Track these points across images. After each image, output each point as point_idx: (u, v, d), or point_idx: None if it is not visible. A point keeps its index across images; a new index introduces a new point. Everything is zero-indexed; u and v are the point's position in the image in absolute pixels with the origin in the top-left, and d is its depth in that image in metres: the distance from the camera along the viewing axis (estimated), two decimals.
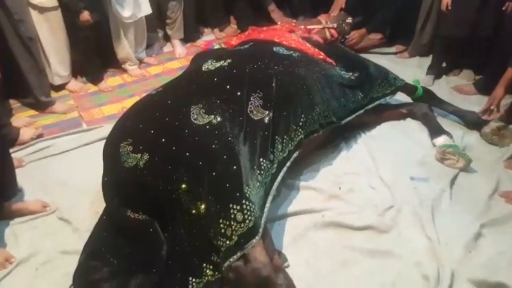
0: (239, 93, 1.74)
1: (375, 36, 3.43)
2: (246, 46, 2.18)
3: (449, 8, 2.68)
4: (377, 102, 2.26)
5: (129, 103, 2.56)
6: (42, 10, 2.50)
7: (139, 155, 1.53)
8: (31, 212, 1.79)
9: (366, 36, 3.27)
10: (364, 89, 2.19)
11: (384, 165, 2.08)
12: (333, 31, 2.77)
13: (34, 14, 2.47)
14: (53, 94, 2.75)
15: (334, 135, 2.22)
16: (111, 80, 2.99)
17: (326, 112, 1.96)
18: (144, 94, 2.27)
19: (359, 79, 2.20)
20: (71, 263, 1.52)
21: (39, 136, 2.29)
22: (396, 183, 1.96)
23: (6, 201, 1.72)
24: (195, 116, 1.62)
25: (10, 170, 1.75)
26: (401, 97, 2.51)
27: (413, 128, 2.37)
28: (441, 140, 2.22)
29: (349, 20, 2.98)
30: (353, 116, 2.14)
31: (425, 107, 2.43)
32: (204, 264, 1.44)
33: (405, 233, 1.72)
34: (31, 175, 2.02)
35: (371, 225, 1.73)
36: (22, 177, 1.94)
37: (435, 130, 2.28)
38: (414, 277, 1.54)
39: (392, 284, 1.51)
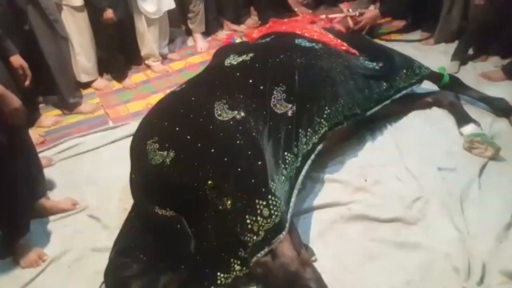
0: (262, 87, 1.72)
1: (399, 23, 3.32)
2: (268, 39, 2.15)
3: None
4: (402, 92, 2.20)
5: (153, 99, 2.59)
6: (70, 9, 2.54)
7: (165, 153, 1.55)
8: (62, 210, 1.83)
9: (379, 18, 3.14)
10: (388, 79, 2.13)
11: (410, 155, 2.03)
12: (358, 18, 2.69)
13: (63, 13, 2.52)
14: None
15: (359, 127, 2.18)
16: (135, 77, 3.02)
17: (350, 104, 1.92)
18: (167, 90, 2.30)
19: (384, 69, 2.15)
20: (102, 260, 1.55)
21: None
22: (423, 174, 1.92)
23: (36, 200, 1.76)
24: (219, 112, 1.62)
25: (38, 170, 1.79)
26: (426, 86, 2.44)
27: (439, 117, 2.29)
28: (469, 128, 2.14)
29: (372, 7, 2.89)
30: (378, 107, 2.09)
31: (452, 95, 2.35)
32: (232, 260, 1.45)
33: (434, 224, 1.68)
34: (61, 173, 2.07)
35: (399, 217, 1.70)
36: (51, 175, 2.01)
37: (462, 119, 2.21)
38: (444, 269, 1.51)
39: (422, 277, 1.49)
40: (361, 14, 2.79)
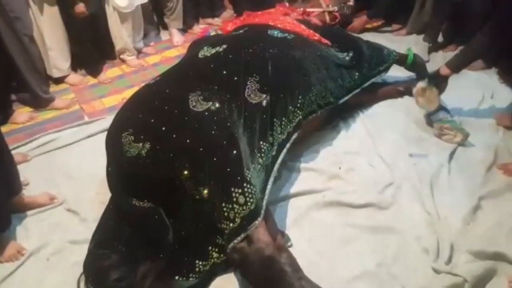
0: (236, 78, 1.74)
1: (376, 22, 3.39)
2: (241, 31, 2.16)
3: None
4: (373, 80, 2.27)
5: (128, 93, 2.54)
6: (40, 4, 2.49)
7: (140, 144, 1.55)
8: (40, 205, 1.83)
9: (367, 23, 3.24)
10: (360, 68, 2.18)
11: (383, 143, 2.10)
12: (336, 14, 2.74)
13: (33, 9, 2.47)
14: (53, 88, 2.77)
15: (333, 116, 2.23)
16: (110, 72, 2.98)
17: (323, 93, 1.96)
18: (143, 84, 2.27)
19: (354, 58, 2.20)
20: (81, 252, 1.56)
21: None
22: (395, 161, 1.98)
23: (13, 196, 1.74)
24: (194, 103, 1.62)
25: (13, 166, 1.77)
26: (397, 74, 2.50)
27: (410, 106, 2.35)
28: (439, 115, 2.22)
29: (351, 2, 2.93)
30: (350, 95, 2.14)
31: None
32: (210, 247, 1.48)
33: (405, 209, 1.75)
34: (37, 169, 2.04)
35: (371, 203, 1.76)
36: (28, 171, 1.98)
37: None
38: (414, 250, 1.57)
39: (394, 258, 1.54)
40: (340, 10, 2.83)
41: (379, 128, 2.20)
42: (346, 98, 2.12)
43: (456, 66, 2.10)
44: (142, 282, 1.38)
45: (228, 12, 3.73)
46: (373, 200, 1.76)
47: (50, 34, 2.60)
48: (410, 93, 2.42)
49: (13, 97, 2.60)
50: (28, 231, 1.72)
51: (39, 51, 2.56)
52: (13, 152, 2.03)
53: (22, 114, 2.47)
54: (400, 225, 1.67)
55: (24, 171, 1.93)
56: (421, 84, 2.16)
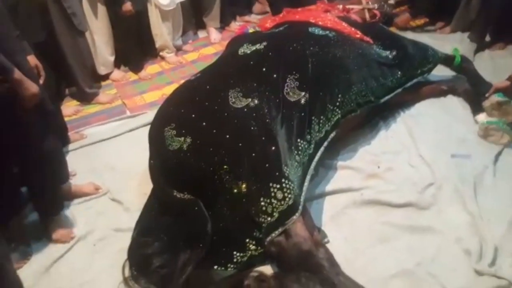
0: (275, 75, 1.80)
1: (419, 20, 3.35)
2: (281, 28, 2.21)
3: None
4: (416, 80, 2.25)
5: (168, 90, 2.69)
6: (92, 2, 2.66)
7: (182, 139, 1.64)
8: (85, 194, 1.97)
9: (410, 21, 3.21)
10: (403, 67, 2.17)
11: (423, 143, 2.08)
12: (376, 11, 2.75)
13: (85, 7, 2.63)
14: (97, 83, 2.93)
15: (372, 115, 2.24)
16: (150, 68, 3.13)
17: (364, 92, 1.98)
18: (181, 81, 2.39)
19: (398, 57, 2.19)
20: (125, 240, 1.68)
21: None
22: (436, 161, 1.97)
23: (61, 184, 1.88)
24: (233, 100, 1.70)
25: (63, 155, 1.91)
26: (442, 73, 2.47)
27: (454, 105, 2.34)
28: (484, 116, 2.18)
29: (391, 1, 2.93)
30: (392, 94, 2.14)
31: (467, 83, 2.39)
32: (247, 240, 1.55)
33: (446, 209, 1.74)
34: (82, 160, 2.20)
35: (411, 202, 1.76)
36: (74, 162, 2.12)
37: (477, 106, 2.24)
38: (455, 252, 1.57)
39: (433, 258, 1.55)
40: (380, 8, 2.83)
41: (421, 127, 2.19)
42: (388, 97, 2.12)
43: None
44: (183, 270, 1.47)
45: (260, 3, 3.79)
46: (412, 199, 1.77)
47: (99, 31, 2.77)
48: (454, 92, 2.41)
49: (66, 92, 2.79)
50: (76, 218, 1.86)
51: (89, 48, 2.72)
52: (70, 132, 2.28)
53: (69, 107, 2.65)
54: (440, 226, 1.67)
55: (71, 162, 2.07)
56: (496, 97, 2.13)
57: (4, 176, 1.63)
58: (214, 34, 3.48)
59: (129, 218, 1.79)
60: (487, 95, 2.18)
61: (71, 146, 2.27)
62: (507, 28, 2.84)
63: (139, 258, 1.58)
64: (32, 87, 1.50)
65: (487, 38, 2.94)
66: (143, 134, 1.88)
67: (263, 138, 1.61)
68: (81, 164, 2.13)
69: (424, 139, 2.11)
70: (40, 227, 1.79)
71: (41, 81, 1.78)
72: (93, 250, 1.72)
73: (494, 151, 2.01)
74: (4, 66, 1.41)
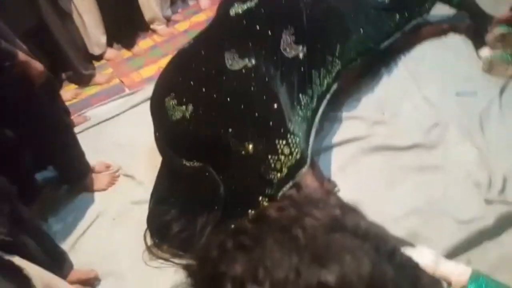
0: (270, 33, 1.77)
1: None
2: None
3: None
4: (415, 21, 2.21)
5: (163, 62, 2.64)
6: None
7: (184, 107, 1.65)
8: (97, 172, 2.02)
9: None
10: (400, 9, 2.13)
11: (427, 84, 2.08)
12: None
13: None
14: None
15: (373, 62, 2.21)
16: (143, 43, 3.09)
17: (362, 39, 1.96)
18: (176, 51, 2.37)
19: (394, 0, 2.14)
20: (142, 211, 1.74)
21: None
22: (441, 101, 1.97)
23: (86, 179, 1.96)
24: (230, 62, 1.69)
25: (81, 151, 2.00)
26: (439, 12, 2.41)
27: (456, 43, 2.30)
28: (487, 50, 2.15)
29: None
30: (392, 39, 2.11)
31: (468, 19, 2.33)
32: (260, 197, 1.58)
33: (453, 147, 1.77)
34: (88, 142, 2.18)
35: (418, 144, 1.79)
36: (81, 145, 2.15)
37: (480, 41, 2.20)
38: (464, 186, 1.61)
39: (444, 195, 1.59)
40: None
41: (423, 69, 2.17)
42: (387, 42, 2.09)
43: None
44: (202, 232, 1.53)
45: None
46: (419, 141, 1.79)
47: (87, 12, 2.72)
48: (455, 30, 2.36)
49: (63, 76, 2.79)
50: (94, 196, 1.93)
51: (78, 30, 2.69)
52: (73, 116, 2.32)
53: (68, 91, 2.66)
54: (449, 163, 1.70)
55: None
56: (500, 30, 2.08)
57: (21, 164, 1.71)
58: (203, 0, 3.40)
59: (144, 191, 1.84)
60: (489, 27, 2.13)
61: (75, 130, 2.29)
62: None
63: (158, 225, 1.65)
64: (38, 65, 1.56)
65: None
66: (145, 109, 1.90)
67: (264, 97, 1.61)
68: (88, 146, 2.14)
69: (427, 81, 2.10)
70: (61, 208, 1.88)
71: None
72: (113, 224, 1.80)
73: (499, 84, 2.00)
74: (9, 50, 1.46)
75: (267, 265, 0.37)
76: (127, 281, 1.59)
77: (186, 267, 0.43)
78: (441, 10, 2.40)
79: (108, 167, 2.05)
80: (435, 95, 2.01)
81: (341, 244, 0.39)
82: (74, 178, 1.93)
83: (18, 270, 0.81)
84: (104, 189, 1.95)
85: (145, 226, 1.68)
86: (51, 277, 1.00)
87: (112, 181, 1.98)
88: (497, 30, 2.09)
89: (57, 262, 1.51)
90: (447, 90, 2.03)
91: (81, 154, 1.92)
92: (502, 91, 1.98)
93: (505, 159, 1.65)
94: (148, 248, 1.63)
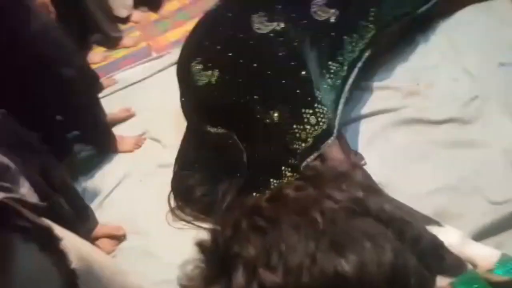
0: None
1: None
2: None
3: None
4: None
5: (190, 26, 2.55)
6: None
7: (209, 72, 1.62)
8: (122, 119, 2.14)
9: None
10: None
11: (468, 53, 1.95)
12: None
13: None
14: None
15: (410, 29, 2.08)
16: (169, 5, 3.03)
17: (398, 2, 1.84)
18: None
19: None
20: (167, 174, 1.77)
21: None
22: (482, 72, 1.85)
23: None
24: (258, 25, 1.63)
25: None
26: None
27: (502, 6, 2.12)
28: None
29: None
30: (431, 3, 1.97)
31: None
32: (283, 167, 1.57)
33: (492, 122, 1.67)
34: (117, 105, 2.23)
35: (454, 118, 1.70)
36: (109, 107, 2.16)
37: None
38: (501, 164, 1.52)
39: (477, 172, 1.52)
40: None
41: (464, 37, 2.03)
42: (426, 7, 1.96)
43: None
44: (224, 198, 1.55)
45: None
46: (455, 114, 1.70)
47: None
48: None
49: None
50: (121, 156, 1.99)
51: None
52: (102, 79, 2.36)
53: (96, 54, 2.67)
54: (485, 139, 1.61)
55: (107, 108, 2.13)
56: None
57: (52, 125, 1.79)
58: None
59: (169, 154, 1.86)
60: None
61: (104, 92, 2.32)
62: None
63: (182, 189, 1.69)
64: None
65: None
66: (172, 73, 1.88)
67: (292, 63, 1.56)
68: (116, 108, 2.20)
69: (468, 50, 1.97)
70: (90, 167, 1.95)
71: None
72: (139, 185, 1.85)
73: None
74: None
75: (282, 250, 0.35)
76: (151, 241, 1.64)
77: (199, 244, 0.42)
78: None
79: (128, 110, 2.14)
80: (476, 66, 1.88)
81: (362, 230, 0.36)
82: (99, 141, 1.98)
83: (55, 242, 0.83)
84: (130, 151, 1.99)
85: (169, 188, 1.72)
86: (89, 250, 1.03)
87: (138, 143, 2.01)
88: None
89: (84, 218, 1.57)
90: (490, 60, 1.89)
91: (105, 122, 1.98)
92: None
93: None
94: (172, 210, 1.67)
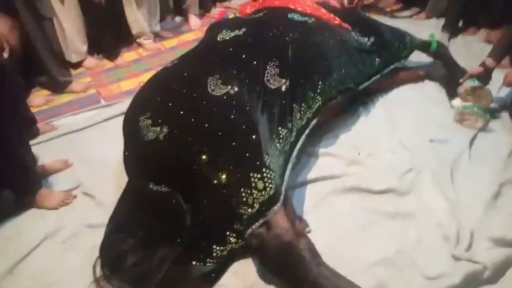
0: (255, 62, 1.69)
1: (395, 5, 3.29)
2: (261, 14, 2.09)
3: None
4: (393, 66, 2.21)
5: (146, 77, 2.49)
6: None
7: (158, 128, 1.51)
8: (57, 170, 1.89)
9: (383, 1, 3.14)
10: (381, 54, 2.12)
11: (403, 128, 2.03)
12: None
13: None
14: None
15: (352, 101, 2.17)
16: (127, 56, 2.94)
17: (343, 78, 1.90)
18: (160, 68, 2.24)
19: (376, 44, 2.13)
20: (97, 236, 1.52)
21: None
22: (415, 146, 1.92)
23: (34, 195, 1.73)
24: (212, 87, 1.57)
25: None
26: (418, 59, 2.41)
27: (431, 90, 2.30)
28: (459, 101, 2.14)
29: None
30: (371, 81, 2.09)
31: (443, 68, 2.35)
32: (228, 232, 1.44)
33: (425, 194, 1.69)
34: (53, 152, 2.01)
35: (391, 188, 1.70)
36: (44, 154, 1.96)
37: (453, 91, 2.20)
38: (434, 238, 1.52)
39: (414, 245, 1.50)
40: None
41: (399, 112, 2.13)
42: (367, 84, 2.06)
43: (501, 55, 2.03)
44: (159, 267, 1.35)
45: None
46: (393, 185, 1.71)
47: (68, 18, 2.56)
48: (430, 78, 2.38)
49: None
50: (45, 214, 1.71)
51: (57, 35, 2.52)
52: (39, 124, 2.13)
53: (38, 97, 2.46)
54: (420, 211, 1.62)
55: (41, 155, 1.93)
56: (470, 83, 2.07)
57: None
58: (194, 20, 3.30)
59: (102, 213, 1.63)
60: (461, 80, 2.13)
61: (40, 138, 2.09)
62: (477, 13, 2.79)
63: (112, 255, 1.44)
64: None
65: (460, 24, 2.89)
66: (119, 124, 1.73)
67: (244, 127, 1.50)
68: (52, 157, 1.96)
69: (403, 124, 2.06)
70: (5, 220, 1.66)
71: (5, 55, 1.61)
72: (62, 248, 1.57)
73: (470, 135, 1.97)
74: None
75: None
76: None
77: None
78: (418, 57, 2.41)
79: (66, 162, 1.90)
80: (410, 139, 1.96)
81: None
82: (20, 190, 1.69)
83: None
84: (54, 208, 1.72)
85: (98, 253, 1.46)
86: None
87: (66, 199, 1.75)
88: (468, 84, 2.09)
89: None
90: (421, 135, 1.98)
91: (30, 166, 1.72)
92: (471, 142, 1.95)
93: (473, 213, 1.58)
94: (97, 280, 1.40)
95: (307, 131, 1.74)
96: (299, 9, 2.07)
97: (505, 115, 2.08)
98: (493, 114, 2.07)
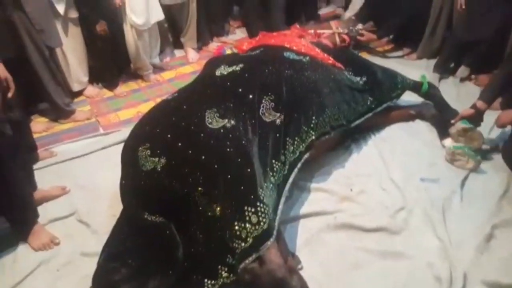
0: (251, 96, 1.73)
1: (387, 46, 3.41)
2: (257, 51, 2.16)
3: (463, 7, 2.63)
4: (385, 105, 2.25)
5: (144, 107, 2.57)
6: (65, 23, 2.54)
7: (156, 159, 1.53)
8: (54, 197, 1.88)
9: (375, 41, 3.26)
10: (373, 93, 2.17)
11: (394, 166, 2.06)
12: (345, 36, 2.77)
13: (58, 24, 2.50)
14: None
15: (344, 137, 2.21)
16: (126, 86, 3.00)
17: (336, 115, 1.95)
18: (158, 99, 2.29)
19: (368, 83, 2.19)
20: (91, 265, 1.51)
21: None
22: (406, 185, 1.94)
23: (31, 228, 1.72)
24: (210, 120, 1.61)
25: (31, 164, 1.83)
26: (409, 98, 2.48)
27: (422, 129, 2.34)
28: (450, 141, 2.18)
29: (359, 26, 2.98)
30: (363, 119, 2.13)
31: (434, 109, 2.41)
32: (220, 266, 1.44)
33: (416, 234, 1.70)
34: (50, 178, 2.03)
35: (383, 227, 1.71)
36: (42, 181, 1.96)
37: (444, 132, 2.25)
38: (426, 278, 1.52)
39: (404, 286, 1.49)
40: (350, 32, 2.88)
41: (391, 151, 2.17)
42: (359, 121, 2.10)
43: (491, 98, 2.07)
44: None
45: (232, 26, 3.82)
46: (384, 224, 1.72)
47: (71, 51, 2.64)
48: (422, 117, 2.42)
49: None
50: None
51: (60, 64, 2.58)
52: (39, 150, 2.16)
53: (38, 124, 2.48)
54: (411, 251, 1.62)
55: (39, 181, 1.92)
56: (462, 125, 2.12)
57: None
58: (191, 54, 3.40)
59: (97, 242, 1.63)
60: (453, 121, 2.18)
61: (39, 164, 2.10)
62: (467, 55, 2.90)
63: (104, 285, 1.43)
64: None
65: (451, 65, 2.99)
66: (116, 153, 1.76)
67: (239, 160, 1.52)
68: (50, 183, 1.97)
69: (394, 162, 2.09)
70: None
71: (10, 94, 1.67)
72: (56, 276, 1.56)
73: (461, 176, 2.00)
74: None
75: None
76: None
77: None
78: (410, 97, 2.47)
79: (63, 189, 1.91)
80: (401, 178, 1.98)
81: None
82: (15, 222, 1.67)
83: None
84: (39, 249, 1.66)
85: (90, 282, 1.45)
86: None
87: (50, 244, 1.68)
88: (460, 125, 2.15)
89: None
90: (412, 174, 2.01)
91: (30, 197, 1.71)
92: (463, 183, 1.97)
93: (466, 254, 1.59)
94: None
95: (299, 165, 1.76)
96: (294, 48, 2.16)
97: (496, 156, 2.11)
98: (484, 155, 2.11)
